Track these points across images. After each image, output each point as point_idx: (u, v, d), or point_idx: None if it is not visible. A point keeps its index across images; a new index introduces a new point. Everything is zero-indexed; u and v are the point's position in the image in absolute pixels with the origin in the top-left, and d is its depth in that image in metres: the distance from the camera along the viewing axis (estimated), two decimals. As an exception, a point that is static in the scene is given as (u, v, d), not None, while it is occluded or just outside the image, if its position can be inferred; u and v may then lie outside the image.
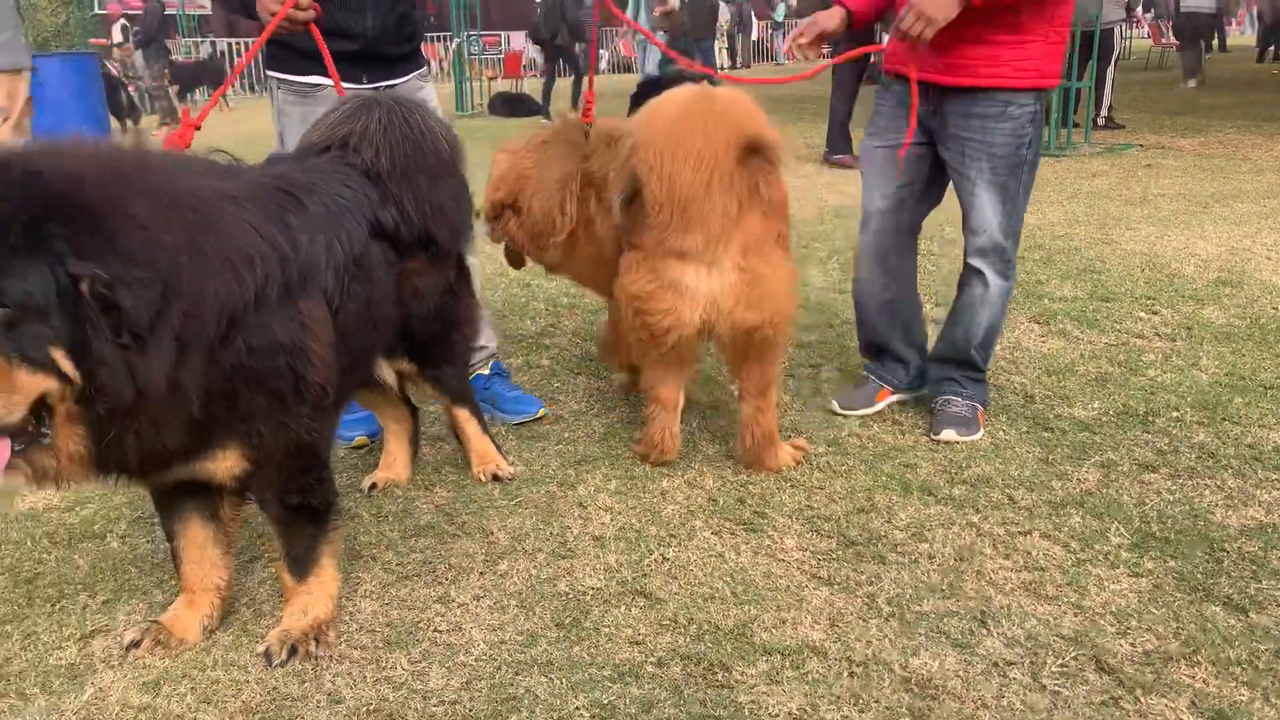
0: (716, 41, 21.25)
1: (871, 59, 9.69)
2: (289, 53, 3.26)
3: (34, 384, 1.74)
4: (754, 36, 31.13)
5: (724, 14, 22.53)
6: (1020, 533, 2.73)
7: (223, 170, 2.21)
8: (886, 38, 3.45)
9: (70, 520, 2.99)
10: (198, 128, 2.63)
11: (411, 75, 3.47)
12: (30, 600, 2.56)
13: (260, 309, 2.01)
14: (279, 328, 2.05)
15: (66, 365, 1.74)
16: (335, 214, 2.33)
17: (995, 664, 2.19)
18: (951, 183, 3.38)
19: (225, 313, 1.91)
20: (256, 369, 2.04)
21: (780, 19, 32.84)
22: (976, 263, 3.32)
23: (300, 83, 3.31)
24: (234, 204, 2.01)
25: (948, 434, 3.31)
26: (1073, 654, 2.20)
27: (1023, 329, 4.42)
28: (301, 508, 2.27)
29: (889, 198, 3.46)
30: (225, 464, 2.10)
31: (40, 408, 1.78)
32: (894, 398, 3.64)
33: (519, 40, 26.47)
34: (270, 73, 3.41)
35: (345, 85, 3.27)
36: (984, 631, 2.30)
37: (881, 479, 3.07)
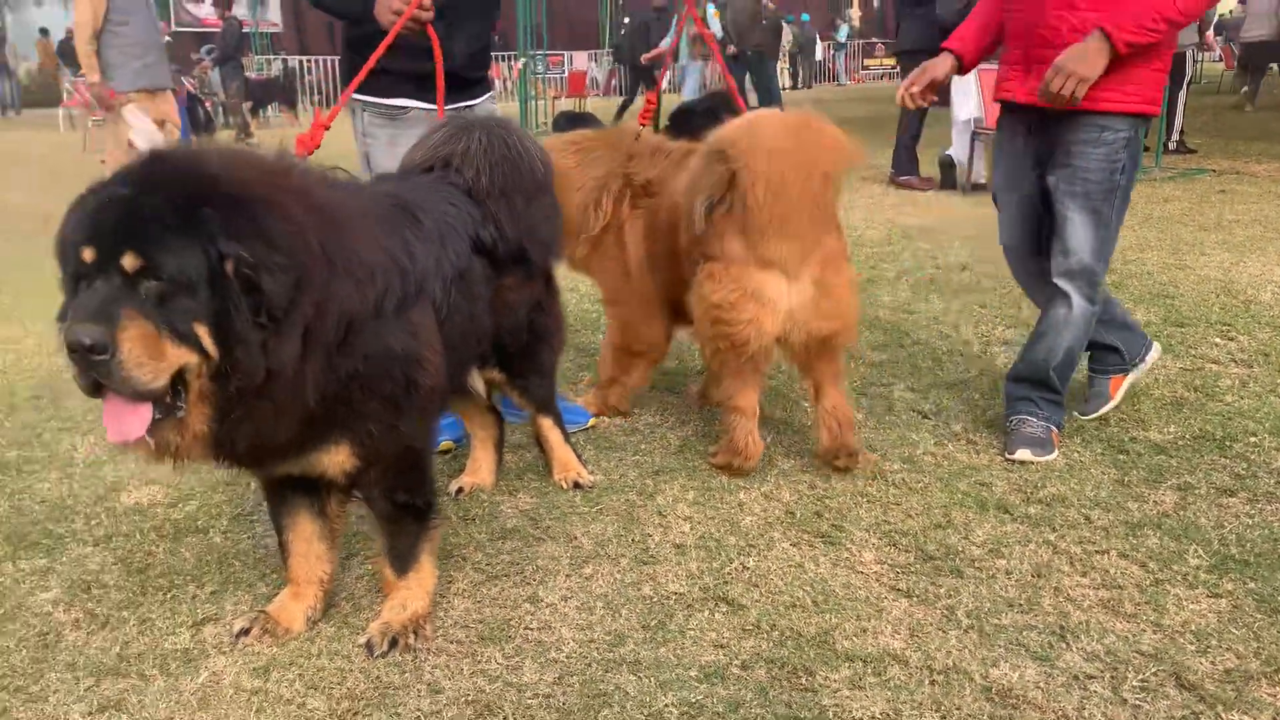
0: (779, 62, 21.34)
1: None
2: (375, 75, 3.33)
3: (178, 355, 1.87)
4: (817, 57, 31.15)
5: (786, 34, 22.61)
6: (1097, 551, 2.76)
7: (349, 185, 2.34)
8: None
9: (175, 515, 3.15)
10: (327, 127, 2.78)
11: (483, 98, 3.63)
12: (143, 589, 2.71)
13: (378, 319, 2.14)
14: (394, 337, 2.18)
15: (207, 341, 1.87)
16: (443, 231, 2.47)
17: (1075, 677, 2.23)
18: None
19: (345, 318, 2.04)
20: (372, 375, 2.16)
21: (843, 39, 32.86)
22: (1063, 284, 3.36)
23: (387, 105, 3.44)
24: (362, 218, 2.14)
25: (1022, 454, 3.34)
26: (1153, 670, 2.24)
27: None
28: (407, 506, 2.39)
29: (1018, 233, 3.60)
30: (337, 460, 2.22)
31: (178, 382, 1.91)
32: (1127, 380, 3.69)
33: (581, 60, 26.78)
34: (356, 95, 3.54)
35: (426, 106, 3.41)
36: (1063, 645, 2.34)
37: (957, 496, 3.11)
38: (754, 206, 2.91)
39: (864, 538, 2.88)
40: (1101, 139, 3.20)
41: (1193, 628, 2.40)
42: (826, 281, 3.05)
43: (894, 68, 30.62)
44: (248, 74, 21.60)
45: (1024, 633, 2.40)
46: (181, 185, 1.89)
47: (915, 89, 3.51)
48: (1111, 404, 3.66)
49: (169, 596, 2.67)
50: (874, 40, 35.05)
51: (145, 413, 1.89)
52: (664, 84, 5.22)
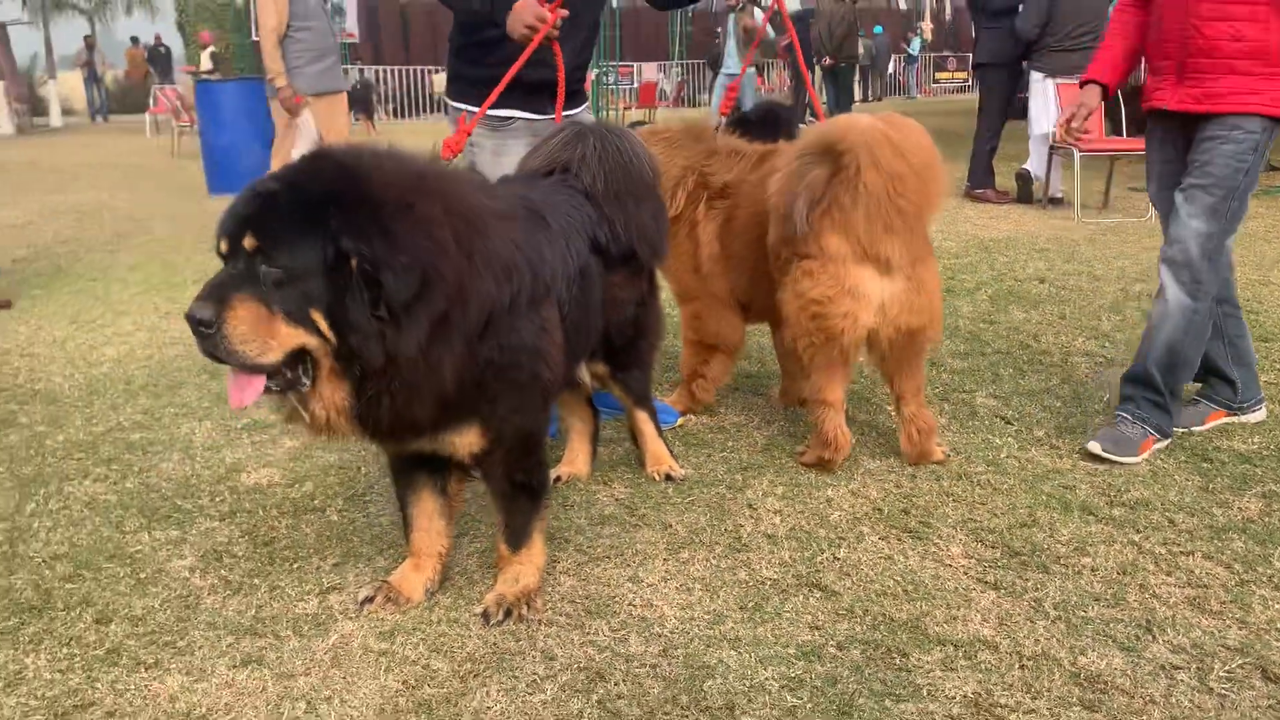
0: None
1: (1019, 94, 9.73)
2: (482, 86, 3.50)
3: (292, 336, 2.06)
4: (889, 70, 31.05)
5: (859, 46, 22.58)
6: (1182, 553, 2.83)
7: (489, 188, 2.52)
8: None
9: (293, 495, 3.35)
10: (469, 134, 2.95)
11: (580, 108, 3.80)
12: (271, 560, 2.91)
13: (513, 313, 2.31)
14: (526, 331, 2.35)
15: (324, 326, 2.06)
16: (567, 232, 2.64)
17: (1162, 667, 2.31)
18: None
19: (486, 311, 2.20)
20: (504, 364, 2.33)
21: (915, 52, 32.70)
22: (1163, 273, 3.45)
23: (493, 115, 3.60)
24: (500, 220, 2.31)
25: (1094, 445, 3.45)
26: (1239, 662, 2.32)
27: (1177, 364, 4.45)
28: (523, 486, 2.55)
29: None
30: (468, 440, 2.39)
31: (302, 359, 2.11)
32: (1225, 419, 3.74)
33: (651, 71, 27.04)
34: (460, 105, 3.71)
35: (529, 116, 3.57)
36: (1149, 638, 2.42)
37: (1041, 498, 3.20)
38: (866, 202, 3.03)
39: (950, 534, 2.98)
40: (1231, 137, 3.28)
41: (1278, 625, 2.47)
42: (919, 277, 3.20)
43: (966, 80, 30.42)
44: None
45: (1110, 625, 2.48)
46: (319, 183, 2.09)
47: (1076, 124, 3.63)
48: (1198, 429, 3.69)
49: (295, 567, 2.86)
50: (946, 54, 34.85)
51: (258, 384, 2.11)
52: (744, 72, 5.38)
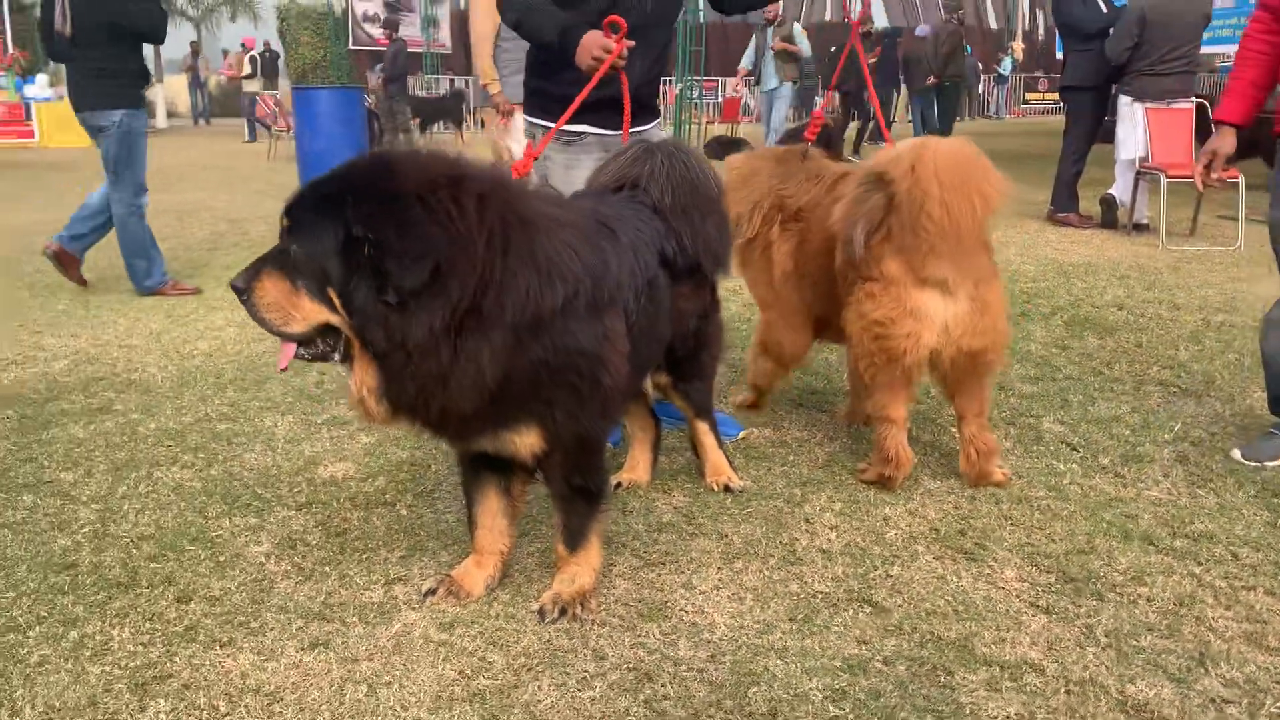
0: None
1: (1105, 117, 9.57)
2: (555, 102, 3.58)
3: (315, 311, 2.26)
4: (979, 89, 30.62)
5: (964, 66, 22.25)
6: (1244, 587, 2.80)
7: (553, 199, 2.62)
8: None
9: (366, 489, 3.49)
10: (536, 157, 3.06)
11: (652, 124, 3.87)
12: (342, 549, 3.04)
13: (568, 317, 2.39)
14: (584, 337, 2.43)
15: (337, 305, 2.23)
16: (636, 245, 2.73)
17: (1212, 699, 2.30)
18: None
19: (527, 309, 2.29)
20: (561, 367, 2.42)
21: (1005, 72, 32.20)
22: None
23: (565, 130, 3.68)
24: (560, 227, 2.40)
25: (1235, 452, 3.54)
26: (1293, 699, 2.29)
27: (1256, 398, 4.37)
28: (581, 489, 2.64)
29: None
30: (528, 441, 2.49)
31: (334, 334, 2.31)
32: None
33: (735, 87, 27.06)
34: (533, 120, 3.81)
35: (600, 132, 3.65)
36: (1201, 670, 2.41)
37: (1102, 525, 3.18)
38: (918, 227, 3.07)
39: (1006, 557, 2.99)
40: None
41: (1337, 665, 2.43)
42: (982, 299, 3.22)
43: (1056, 103, 29.86)
44: (418, 92, 22.71)
45: (1162, 655, 2.47)
46: (350, 174, 2.28)
47: (1214, 175, 3.66)
48: (1271, 464, 3.63)
49: (364, 557, 2.99)
50: (1037, 74, 34.26)
51: (289, 350, 2.37)
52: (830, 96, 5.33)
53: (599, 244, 2.53)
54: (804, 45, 14.82)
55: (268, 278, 2.28)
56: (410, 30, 26.72)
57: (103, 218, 6.64)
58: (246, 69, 23.65)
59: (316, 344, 2.34)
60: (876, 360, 3.32)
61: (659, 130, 3.92)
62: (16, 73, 20.51)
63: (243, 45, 26.16)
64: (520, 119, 7.16)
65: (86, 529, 3.18)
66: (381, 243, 2.15)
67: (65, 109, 20.74)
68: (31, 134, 20.03)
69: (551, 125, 3.62)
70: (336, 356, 2.34)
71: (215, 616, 2.67)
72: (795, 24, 15.16)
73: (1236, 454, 3.70)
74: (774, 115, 14.81)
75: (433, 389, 2.26)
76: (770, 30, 14.64)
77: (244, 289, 2.29)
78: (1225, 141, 3.60)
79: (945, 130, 16.15)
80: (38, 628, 2.61)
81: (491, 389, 2.31)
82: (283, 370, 2.46)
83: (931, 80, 15.44)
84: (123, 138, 6.31)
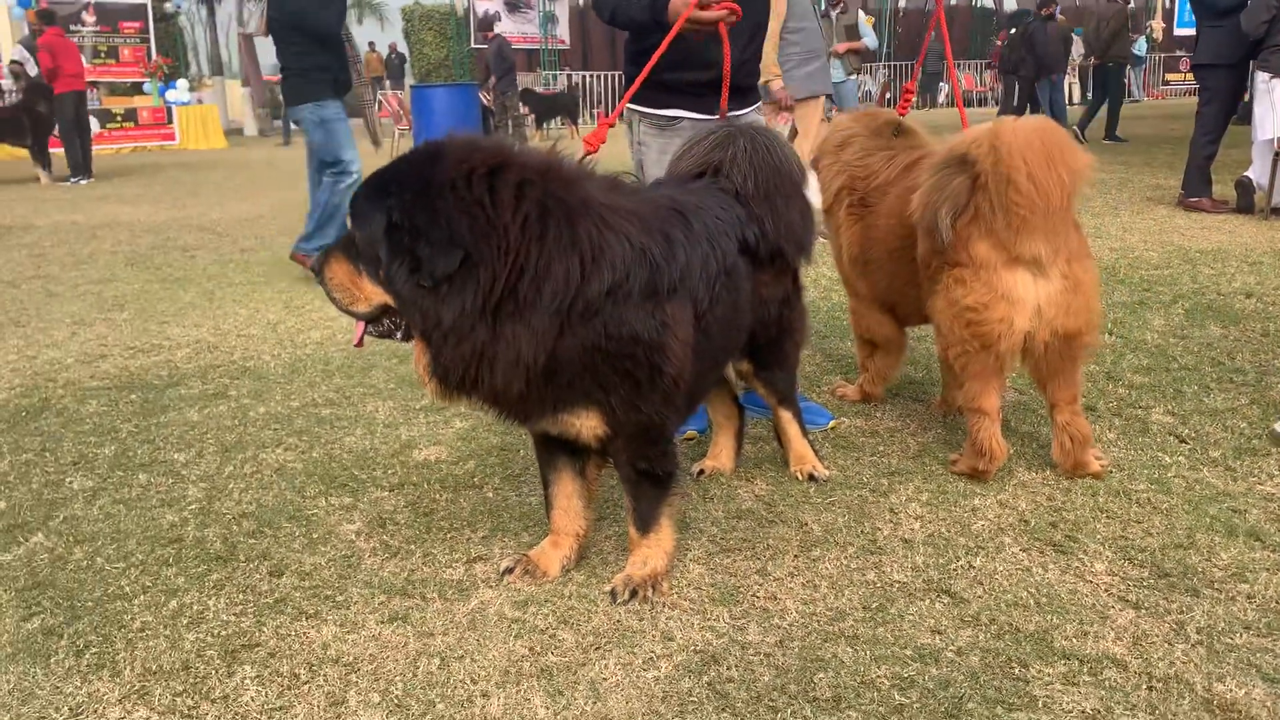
0: (1067, 76, 20.31)
1: (1243, 96, 9.08)
2: (649, 87, 3.56)
3: (373, 292, 2.42)
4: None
5: (1077, 47, 21.44)
6: (1356, 587, 2.64)
7: (620, 187, 2.64)
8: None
9: (456, 472, 3.59)
10: (612, 124, 3.10)
11: (752, 107, 3.82)
12: (428, 529, 3.13)
13: (620, 304, 2.41)
14: (641, 324, 2.45)
15: (385, 287, 2.35)
16: (713, 232, 2.73)
17: (1308, 702, 2.18)
18: None
19: (570, 294, 2.32)
20: (615, 353, 2.44)
21: (1142, 53, 30.79)
22: None
23: (660, 115, 3.68)
24: (613, 213, 2.42)
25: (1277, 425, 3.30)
26: (1398, 705, 2.15)
27: (1390, 389, 4.10)
28: (648, 473, 2.66)
29: None
30: (589, 424, 2.53)
31: (396, 313, 2.44)
32: None
33: (856, 74, 26.61)
34: (631, 106, 3.83)
35: (696, 116, 3.63)
36: (1300, 672, 2.28)
37: (1205, 520, 3.03)
38: (1007, 207, 3.00)
39: (1098, 550, 2.88)
40: None
41: None
42: (1074, 277, 3.13)
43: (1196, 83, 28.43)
44: (535, 88, 23.01)
45: (1258, 654, 2.35)
46: (401, 164, 2.41)
47: None
48: None
49: (448, 536, 3.08)
50: (1178, 53, 32.65)
51: (360, 328, 2.55)
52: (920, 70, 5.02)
53: (665, 231, 2.53)
54: (869, 38, 13.66)
55: (335, 261, 2.45)
56: (529, 27, 27.16)
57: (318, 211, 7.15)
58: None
59: (383, 323, 2.48)
60: (970, 348, 3.24)
61: (759, 114, 3.89)
62: (159, 78, 21.65)
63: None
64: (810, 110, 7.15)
65: (193, 506, 3.35)
66: (415, 229, 2.25)
67: (204, 112, 21.89)
68: (173, 136, 21.12)
69: (647, 110, 3.64)
70: (399, 335, 2.47)
71: (304, 590, 2.78)
72: (860, 13, 13.84)
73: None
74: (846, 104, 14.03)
75: (475, 368, 2.34)
76: (835, 16, 13.50)
77: (319, 271, 2.49)
78: None
79: (1113, 116, 15.45)
80: (142, 596, 2.77)
81: (536, 370, 2.37)
82: (357, 345, 2.60)
83: (1094, 61, 14.85)
84: (315, 127, 6.95)
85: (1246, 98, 10.08)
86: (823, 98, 7.71)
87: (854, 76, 13.40)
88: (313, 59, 6.89)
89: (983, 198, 3.06)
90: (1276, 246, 7.03)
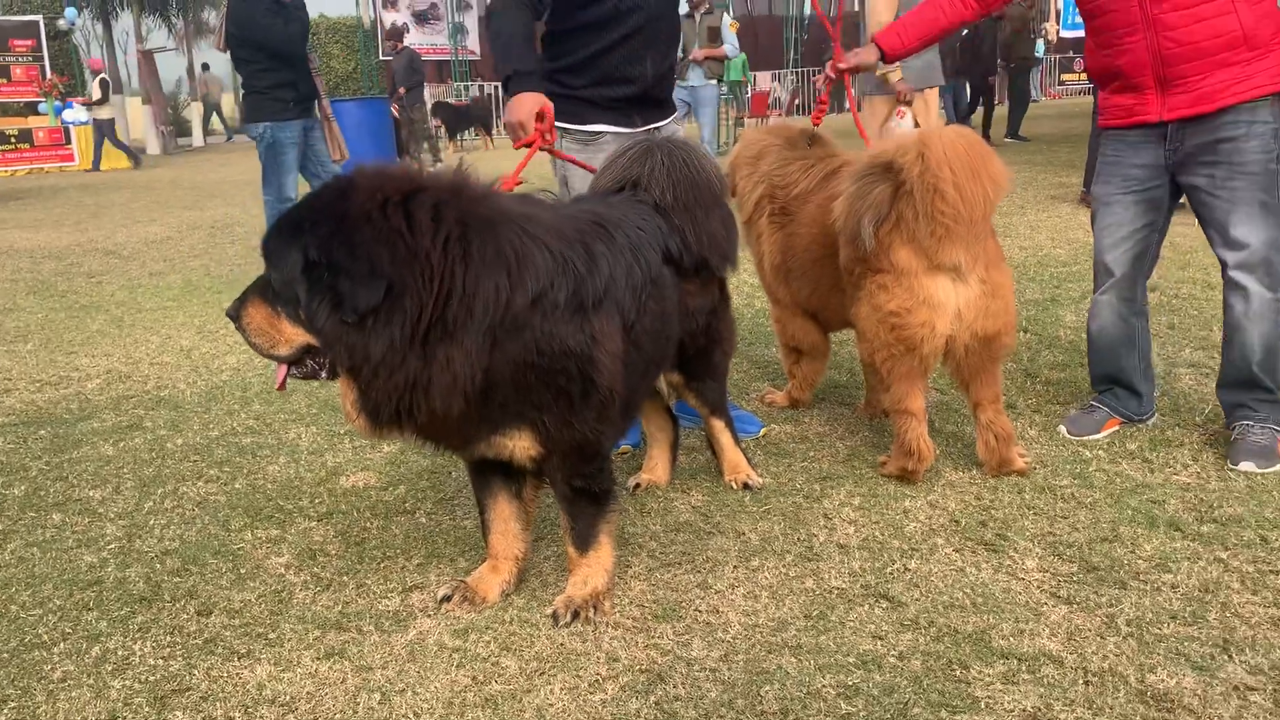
0: (965, 79, 20.78)
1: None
2: (572, 103, 3.57)
3: (294, 334, 2.34)
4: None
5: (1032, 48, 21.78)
6: (1271, 571, 2.73)
7: (534, 201, 2.62)
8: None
9: (386, 498, 3.52)
10: (518, 180, 3.05)
11: (670, 118, 3.84)
12: (360, 559, 3.07)
13: (547, 317, 2.39)
14: (569, 338, 2.43)
15: (307, 326, 2.29)
16: (636, 243, 2.72)
17: (1236, 688, 2.25)
18: (1195, 209, 3.50)
19: (497, 308, 2.30)
20: (546, 369, 2.42)
21: (1039, 55, 31.70)
22: (1237, 276, 3.37)
23: (583, 131, 3.67)
24: (531, 224, 2.41)
25: (1246, 465, 3.36)
26: (1319, 685, 2.23)
27: (1290, 376, 4.26)
28: (584, 491, 2.64)
29: (1130, 238, 3.63)
30: (522, 444, 2.50)
31: (318, 353, 2.36)
32: (1119, 427, 3.77)
33: (765, 80, 27.00)
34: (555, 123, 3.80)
35: (618, 130, 3.63)
36: (1225, 658, 2.36)
37: (1127, 512, 3.12)
38: (932, 216, 3.06)
39: (1028, 547, 2.94)
40: (1252, 131, 3.24)
41: (1368, 649, 2.37)
42: (992, 282, 3.21)
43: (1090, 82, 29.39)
44: (448, 99, 22.78)
45: (1185, 643, 2.42)
46: (313, 199, 2.37)
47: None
48: (1094, 437, 3.72)
49: (382, 566, 3.01)
50: (1072, 54, 33.76)
51: (282, 371, 2.44)
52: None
53: (586, 243, 2.52)
54: (731, 45, 12.74)
55: (252, 305, 2.38)
56: (438, 38, 26.90)
57: None
58: (97, 94, 21.37)
59: (305, 364, 2.41)
60: (894, 352, 3.30)
61: (679, 125, 3.90)
62: (55, 98, 20.93)
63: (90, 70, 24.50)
64: (913, 111, 7.05)
65: (112, 545, 3.23)
66: (334, 264, 2.21)
67: (103, 132, 21.13)
68: (71, 157, 20.43)
69: (570, 126, 3.63)
70: (324, 374, 2.40)
71: (234, 628, 2.70)
72: (725, 16, 13.03)
73: (1062, 430, 3.79)
74: (703, 121, 12.62)
75: (410, 398, 2.29)
76: (699, 17, 12.45)
77: (235, 317, 2.41)
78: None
79: (1017, 116, 15.81)
80: (62, 644, 2.66)
81: (474, 390, 2.33)
82: (279, 389, 2.50)
83: (1000, 64, 15.16)
84: (265, 147, 6.80)
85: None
86: (937, 89, 7.75)
87: (714, 83, 12.73)
88: (274, 76, 6.74)
89: (906, 205, 3.11)
90: (1176, 240, 7.28)
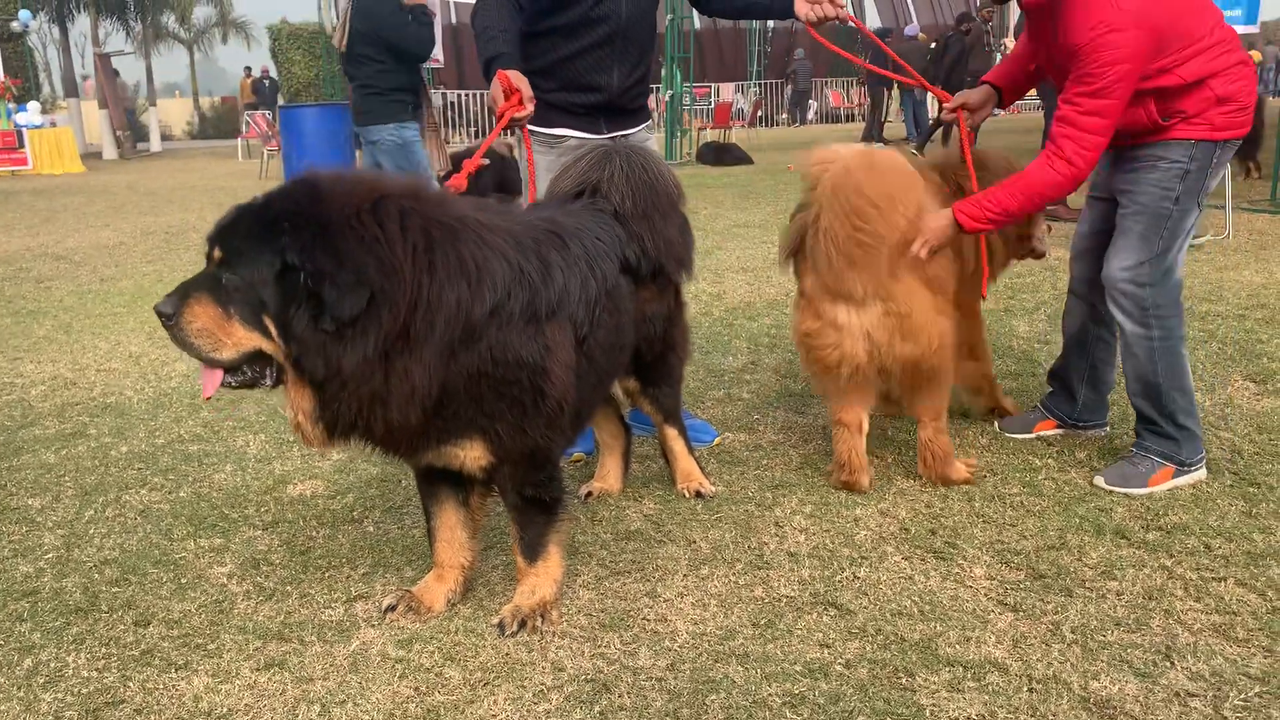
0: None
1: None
2: (539, 106, 3.49)
3: (245, 338, 2.24)
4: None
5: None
6: (1214, 579, 2.76)
7: (489, 207, 2.59)
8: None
9: (334, 506, 3.46)
10: (471, 174, 3.03)
11: (640, 127, 3.83)
12: (305, 568, 3.01)
13: (502, 327, 2.36)
14: (523, 348, 2.40)
15: (274, 332, 2.22)
16: (593, 254, 2.70)
17: (1177, 694, 2.26)
18: None
19: (457, 320, 2.27)
20: (499, 379, 2.39)
21: (996, 70, 32.09)
22: (1110, 307, 3.38)
23: (546, 134, 3.67)
24: (488, 231, 2.38)
25: (1099, 479, 3.41)
26: (1256, 691, 2.25)
27: (1236, 386, 4.33)
28: (534, 500, 2.61)
29: (1085, 238, 3.67)
30: (473, 454, 2.47)
31: (267, 361, 2.28)
32: (1056, 431, 3.85)
33: (728, 92, 27.12)
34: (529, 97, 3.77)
35: (582, 135, 3.63)
36: (1167, 664, 2.37)
37: (1075, 520, 3.14)
38: (825, 240, 3.13)
39: (976, 555, 2.95)
40: (1157, 166, 3.23)
41: (1306, 655, 2.39)
42: (904, 307, 3.21)
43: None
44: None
45: (1129, 650, 2.44)
46: (283, 201, 2.26)
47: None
48: (1022, 436, 3.87)
49: (326, 575, 2.96)
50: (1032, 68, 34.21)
51: (216, 377, 2.32)
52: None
53: (541, 253, 2.50)
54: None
55: (197, 304, 2.24)
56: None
57: None
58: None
59: (244, 371, 2.31)
60: (813, 370, 3.42)
61: (647, 135, 3.89)
62: (8, 100, 20.56)
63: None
64: None
65: (50, 555, 3.15)
66: (319, 272, 2.14)
67: (58, 135, 20.87)
68: (25, 161, 20.07)
69: (535, 129, 3.60)
70: (267, 382, 2.32)
71: (173, 639, 2.64)
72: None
73: (996, 425, 3.93)
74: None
75: (369, 410, 2.25)
76: None
77: (171, 314, 2.25)
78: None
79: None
80: (-8, 656, 2.59)
81: (431, 401, 2.29)
82: (207, 399, 2.40)
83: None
84: (397, 149, 6.72)
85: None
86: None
87: None
88: (395, 78, 6.68)
89: (811, 231, 3.18)
90: (1128, 252, 7.38)
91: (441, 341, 2.24)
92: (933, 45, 18.81)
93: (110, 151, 26.05)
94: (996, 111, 3.91)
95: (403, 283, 2.18)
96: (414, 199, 2.29)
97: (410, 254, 2.20)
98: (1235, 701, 2.22)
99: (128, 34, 31.46)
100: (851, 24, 3.89)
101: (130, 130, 25.77)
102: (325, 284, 2.14)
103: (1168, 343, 3.32)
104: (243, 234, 2.24)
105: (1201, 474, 3.39)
